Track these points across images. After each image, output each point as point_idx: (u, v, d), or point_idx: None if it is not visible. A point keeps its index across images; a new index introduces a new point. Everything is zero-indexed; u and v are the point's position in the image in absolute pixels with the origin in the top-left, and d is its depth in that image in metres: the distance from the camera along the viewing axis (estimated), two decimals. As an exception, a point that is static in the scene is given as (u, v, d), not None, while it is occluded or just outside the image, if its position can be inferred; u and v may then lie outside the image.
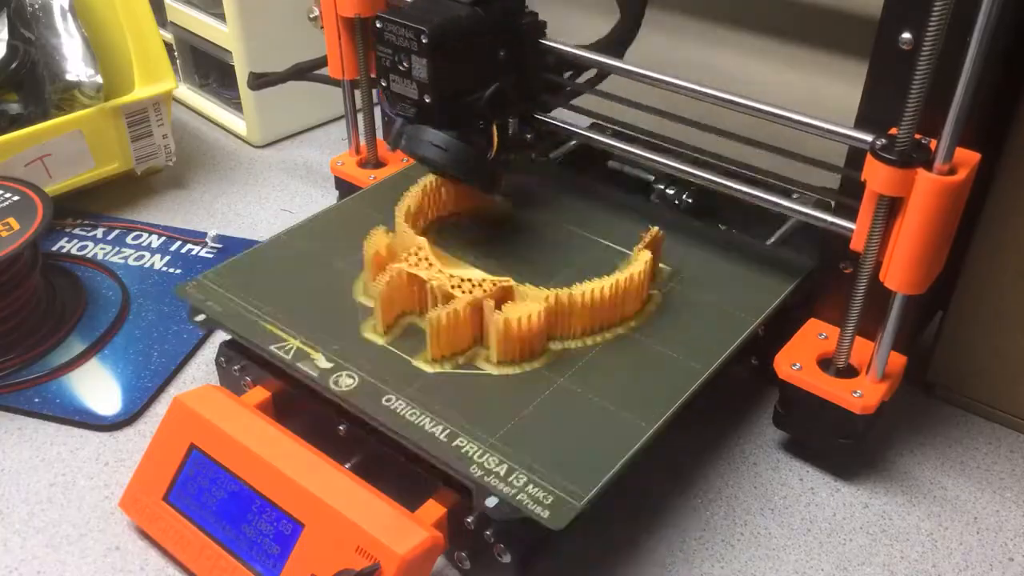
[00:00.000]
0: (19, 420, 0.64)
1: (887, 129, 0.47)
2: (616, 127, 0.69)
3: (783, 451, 0.62)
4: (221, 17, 0.92)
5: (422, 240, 0.58)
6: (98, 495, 0.58)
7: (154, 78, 0.84)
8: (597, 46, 0.69)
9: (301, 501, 0.49)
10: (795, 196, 0.61)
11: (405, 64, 0.57)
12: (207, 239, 0.80)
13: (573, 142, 0.78)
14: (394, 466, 0.52)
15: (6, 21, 0.81)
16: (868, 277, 0.51)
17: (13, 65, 0.81)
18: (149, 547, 0.55)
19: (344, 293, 0.60)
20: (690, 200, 0.72)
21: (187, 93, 1.05)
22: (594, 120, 0.69)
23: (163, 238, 0.82)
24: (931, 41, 0.43)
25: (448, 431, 0.50)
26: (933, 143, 0.46)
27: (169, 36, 1.01)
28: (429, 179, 0.65)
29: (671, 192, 0.73)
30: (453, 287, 0.55)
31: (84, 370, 0.67)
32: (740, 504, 0.58)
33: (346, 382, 0.53)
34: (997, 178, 0.56)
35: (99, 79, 0.82)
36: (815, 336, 0.58)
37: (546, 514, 0.45)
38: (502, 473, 0.47)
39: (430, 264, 0.57)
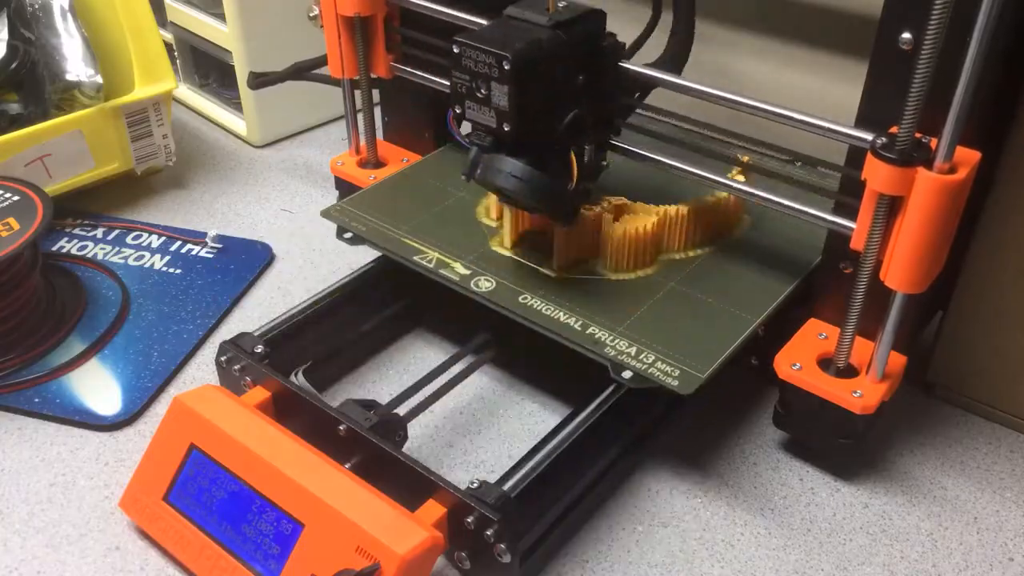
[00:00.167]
0: (19, 420, 0.64)
1: (887, 128, 0.47)
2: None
3: (783, 451, 0.62)
4: (221, 17, 0.92)
5: None
6: (98, 495, 0.58)
7: (154, 78, 0.84)
8: (658, 63, 0.66)
9: (301, 501, 0.49)
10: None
11: (484, 91, 0.53)
12: (207, 239, 0.80)
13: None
14: (394, 466, 0.52)
15: (6, 21, 0.81)
16: (868, 276, 0.51)
17: (13, 65, 0.81)
18: (149, 547, 0.55)
19: (469, 215, 0.68)
20: None
21: (187, 93, 1.05)
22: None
23: (163, 238, 0.82)
24: (931, 41, 0.43)
25: (581, 322, 0.57)
26: (933, 142, 0.46)
27: (169, 36, 1.01)
28: None
29: None
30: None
31: (84, 370, 0.67)
32: (740, 504, 0.58)
33: (485, 285, 0.61)
34: (997, 177, 0.56)
35: (99, 79, 0.82)
36: (815, 336, 0.58)
37: (676, 383, 0.53)
38: (633, 353, 0.55)
39: None
